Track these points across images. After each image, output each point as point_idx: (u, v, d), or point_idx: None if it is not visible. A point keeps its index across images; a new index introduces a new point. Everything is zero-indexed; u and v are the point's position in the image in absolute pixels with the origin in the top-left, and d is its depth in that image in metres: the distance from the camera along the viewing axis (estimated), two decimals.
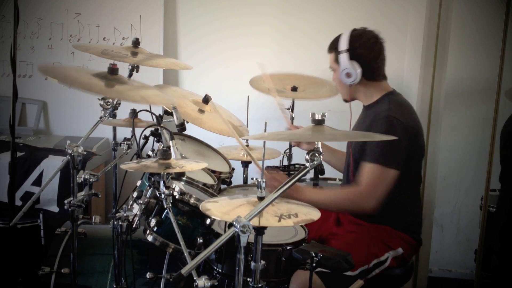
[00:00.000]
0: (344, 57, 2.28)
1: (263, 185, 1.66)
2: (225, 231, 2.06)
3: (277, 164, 2.84)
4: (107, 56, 2.25)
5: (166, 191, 1.90)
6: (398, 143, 2.08)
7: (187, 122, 2.31)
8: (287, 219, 1.61)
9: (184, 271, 1.45)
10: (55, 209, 2.96)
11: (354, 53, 2.27)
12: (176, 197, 2.01)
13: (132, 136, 2.29)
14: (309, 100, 2.96)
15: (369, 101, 2.36)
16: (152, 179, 1.93)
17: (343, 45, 2.28)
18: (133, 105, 2.26)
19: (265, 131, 2.37)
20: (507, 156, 2.47)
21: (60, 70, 2.06)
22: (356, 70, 2.27)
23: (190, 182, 2.24)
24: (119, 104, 2.32)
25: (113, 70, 1.83)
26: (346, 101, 2.43)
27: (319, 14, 3.38)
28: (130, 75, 2.45)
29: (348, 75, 2.29)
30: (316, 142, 1.60)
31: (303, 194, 2.18)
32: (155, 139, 2.28)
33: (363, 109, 2.41)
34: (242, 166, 2.94)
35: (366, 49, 2.28)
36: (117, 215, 1.92)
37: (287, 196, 2.10)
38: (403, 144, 2.15)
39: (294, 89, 2.90)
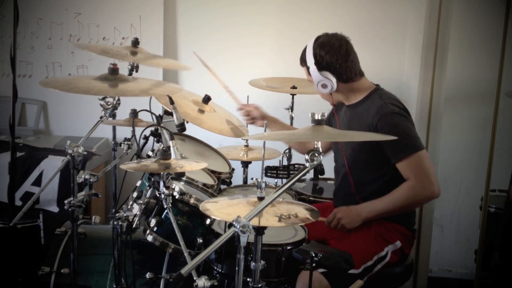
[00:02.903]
0: (314, 71, 2.28)
1: (263, 185, 1.66)
2: (225, 231, 2.06)
3: (277, 164, 2.84)
4: (107, 55, 2.25)
5: (166, 191, 1.89)
6: (411, 128, 2.23)
7: (187, 122, 2.31)
8: (287, 219, 1.61)
9: (184, 271, 1.45)
10: (55, 209, 2.96)
11: (321, 64, 2.27)
12: (176, 197, 2.01)
13: (132, 136, 2.29)
14: (309, 94, 2.96)
15: (353, 100, 2.36)
16: (152, 179, 1.93)
17: (309, 59, 2.29)
18: (133, 105, 2.26)
19: (265, 131, 2.37)
20: None
21: (61, 81, 2.06)
22: (330, 80, 2.27)
23: (190, 182, 2.24)
24: (119, 104, 2.32)
25: (113, 70, 1.83)
26: (333, 105, 2.46)
27: (319, 14, 3.38)
28: (130, 74, 2.45)
29: (324, 86, 2.29)
30: (315, 142, 1.60)
31: (367, 213, 2.23)
32: (155, 139, 2.28)
33: (347, 108, 2.40)
34: (242, 166, 2.94)
35: (332, 56, 2.26)
36: (117, 215, 1.92)
37: (353, 224, 2.25)
38: (413, 127, 2.26)
39: (293, 87, 2.96)
